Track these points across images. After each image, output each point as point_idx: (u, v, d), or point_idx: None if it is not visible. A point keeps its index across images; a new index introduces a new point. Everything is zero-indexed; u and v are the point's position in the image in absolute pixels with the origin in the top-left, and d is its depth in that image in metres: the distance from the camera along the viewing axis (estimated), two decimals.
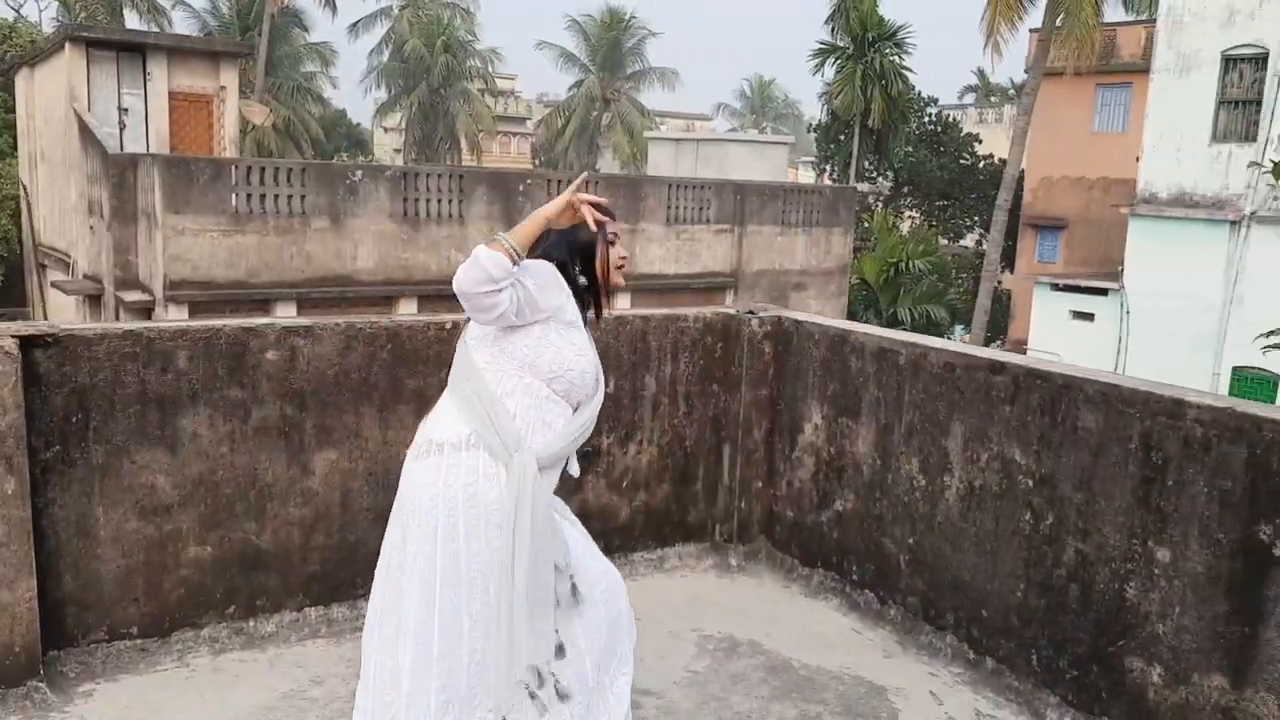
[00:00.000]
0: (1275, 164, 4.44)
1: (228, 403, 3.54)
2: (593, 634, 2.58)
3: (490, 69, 52.28)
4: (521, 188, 17.81)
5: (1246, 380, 18.38)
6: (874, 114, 31.12)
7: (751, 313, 4.42)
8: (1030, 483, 3.44)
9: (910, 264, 26.26)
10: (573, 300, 2.53)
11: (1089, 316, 21.64)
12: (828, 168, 35.94)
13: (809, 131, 40.77)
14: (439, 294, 17.19)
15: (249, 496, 3.61)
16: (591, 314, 2.66)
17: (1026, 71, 28.65)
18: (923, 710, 3.43)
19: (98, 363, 3.32)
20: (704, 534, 4.57)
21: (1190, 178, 19.69)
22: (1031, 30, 28.13)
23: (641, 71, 49.17)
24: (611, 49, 47.87)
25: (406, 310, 16.80)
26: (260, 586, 3.68)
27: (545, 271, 2.47)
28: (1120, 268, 21.52)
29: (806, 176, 45.69)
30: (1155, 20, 21.97)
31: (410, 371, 3.82)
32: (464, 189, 17.31)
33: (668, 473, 4.45)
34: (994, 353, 3.74)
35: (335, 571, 3.80)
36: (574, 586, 2.52)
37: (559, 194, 2.50)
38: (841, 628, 4.01)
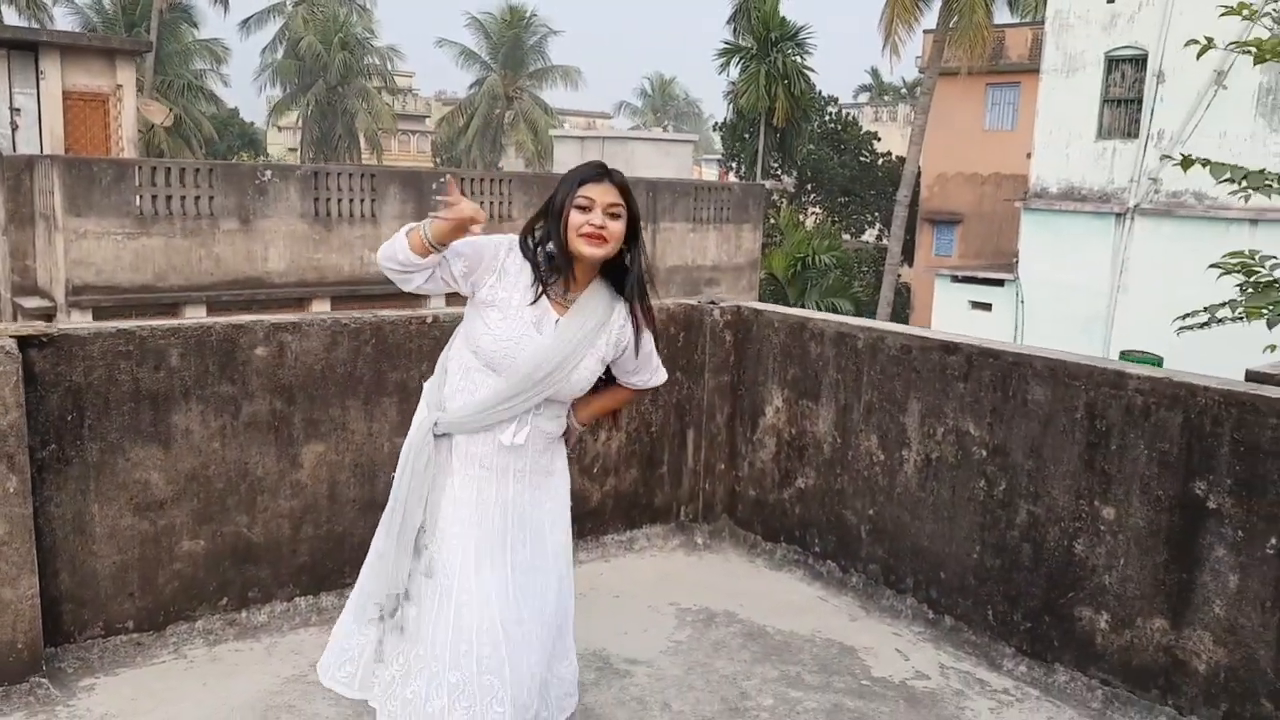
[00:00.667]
0: (1184, 156, 4.83)
1: (219, 398, 3.60)
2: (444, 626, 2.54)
3: (389, 66, 51.64)
4: (435, 186, 17.73)
5: (1133, 361, 19.44)
6: (778, 113, 31.87)
7: (713, 303, 4.65)
8: (984, 453, 3.75)
9: (816, 259, 27.00)
10: (508, 278, 2.52)
11: (987, 306, 22.55)
12: (734, 165, 36.58)
13: (714, 130, 41.39)
14: (352, 294, 17.01)
15: (240, 490, 3.68)
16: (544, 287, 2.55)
17: (922, 71, 29.68)
18: (892, 665, 3.70)
19: (92, 361, 3.36)
20: (670, 515, 4.78)
21: (1078, 173, 20.71)
22: (926, 31, 29.15)
23: (544, 69, 49.15)
24: (513, 46, 47.75)
25: (319, 311, 16.58)
26: (252, 578, 3.75)
27: (475, 253, 2.51)
28: (1013, 259, 22.49)
29: (709, 174, 46.32)
30: (1041, 22, 23.03)
31: (393, 365, 3.93)
32: (376, 188, 17.16)
33: (635, 458, 4.64)
34: (948, 334, 4.03)
35: (324, 561, 3.89)
36: (430, 568, 2.57)
37: (471, 193, 2.53)
38: (808, 596, 4.27)
